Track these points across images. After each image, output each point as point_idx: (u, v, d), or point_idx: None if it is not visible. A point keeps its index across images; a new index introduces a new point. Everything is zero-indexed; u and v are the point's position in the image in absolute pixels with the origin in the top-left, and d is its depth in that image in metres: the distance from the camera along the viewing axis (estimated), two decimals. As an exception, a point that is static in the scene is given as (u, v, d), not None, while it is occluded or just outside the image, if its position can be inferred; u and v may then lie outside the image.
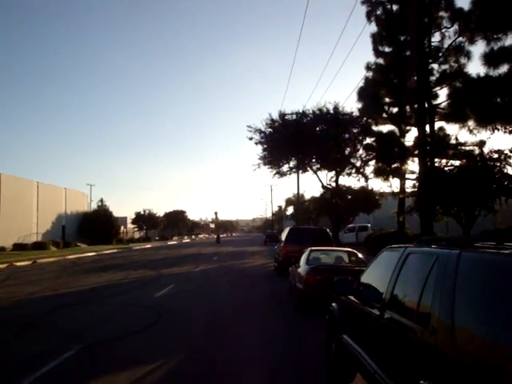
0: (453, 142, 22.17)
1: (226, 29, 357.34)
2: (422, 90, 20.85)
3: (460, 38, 21.21)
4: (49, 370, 6.05)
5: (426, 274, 3.35)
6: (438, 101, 23.06)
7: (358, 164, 33.85)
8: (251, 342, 7.99)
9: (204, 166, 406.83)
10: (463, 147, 21.75)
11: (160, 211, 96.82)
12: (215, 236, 78.96)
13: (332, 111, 33.78)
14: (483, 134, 19.73)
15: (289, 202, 76.53)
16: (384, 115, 26.30)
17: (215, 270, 22.80)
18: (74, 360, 6.62)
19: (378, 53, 24.85)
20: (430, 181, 17.10)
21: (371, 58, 25.60)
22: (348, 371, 5.37)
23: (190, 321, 9.94)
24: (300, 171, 37.89)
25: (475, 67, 39.55)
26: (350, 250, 13.45)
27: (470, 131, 20.95)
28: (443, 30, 21.92)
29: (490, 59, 17.27)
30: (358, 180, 34.37)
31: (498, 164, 15.64)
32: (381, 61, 25.03)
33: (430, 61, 22.16)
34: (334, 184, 35.91)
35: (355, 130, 33.04)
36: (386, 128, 26.60)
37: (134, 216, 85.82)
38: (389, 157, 23.91)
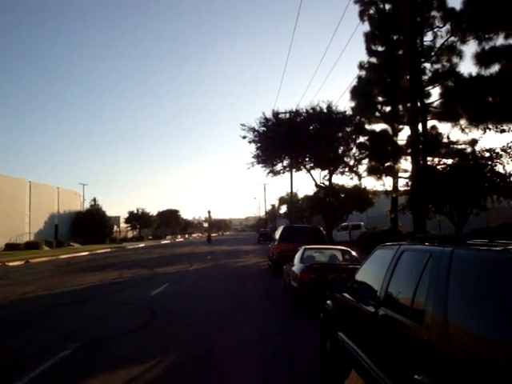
0: (445, 140, 22.32)
1: (219, 29, 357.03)
2: (415, 89, 21.02)
3: (452, 38, 21.37)
4: (44, 370, 6.06)
5: (419, 271, 3.41)
6: (431, 100, 23.24)
7: (352, 163, 34.04)
8: (247, 340, 8.04)
9: (197, 165, 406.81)
10: (455, 146, 21.90)
11: (153, 210, 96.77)
12: (206, 235, 74.95)
13: (325, 110, 33.89)
14: (475, 133, 19.88)
15: (282, 200, 76.73)
16: (377, 114, 26.44)
17: (209, 269, 22.83)
18: (70, 359, 6.63)
19: (370, 52, 24.98)
20: (422, 179, 17.24)
21: (364, 57, 25.76)
22: (343, 368, 5.45)
23: (185, 319, 9.96)
24: (293, 170, 37.98)
25: (467, 67, 39.76)
26: (343, 248, 13.53)
27: (462, 130, 21.10)
28: (435, 30, 22.09)
29: (481, 59, 17.39)
30: (352, 179, 34.58)
31: (490, 163, 15.78)
32: (374, 60, 25.15)
33: (423, 60, 22.32)
34: (327, 183, 36.05)
35: (348, 129, 33.18)
36: (378, 127, 26.74)
37: (127, 215, 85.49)
38: (382, 155, 24.04)
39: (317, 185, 37.06)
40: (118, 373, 6.03)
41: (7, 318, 10.05)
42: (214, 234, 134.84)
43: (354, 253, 12.42)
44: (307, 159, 36.60)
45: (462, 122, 20.10)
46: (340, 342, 5.21)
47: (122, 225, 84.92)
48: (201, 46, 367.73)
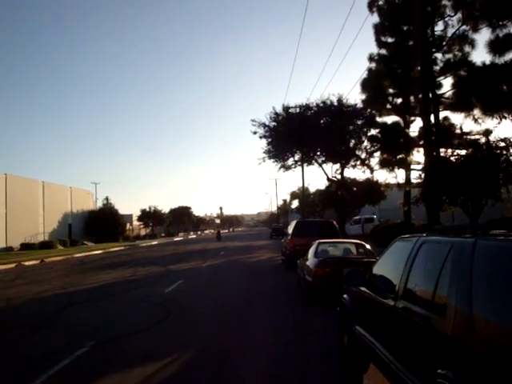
0: (458, 131, 22.08)
1: (228, 24, 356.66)
2: (426, 80, 20.81)
3: (464, 27, 21.04)
4: (61, 368, 6.06)
5: (440, 263, 3.32)
6: (442, 90, 22.94)
7: (363, 156, 33.85)
8: (262, 337, 7.98)
9: (209, 162, 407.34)
10: (468, 136, 21.65)
11: (165, 208, 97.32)
12: (216, 231, 70.43)
13: (336, 103, 33.72)
14: (489, 123, 19.62)
15: (294, 195, 76.63)
16: (388, 106, 26.19)
17: (223, 265, 22.83)
18: (86, 357, 6.63)
19: (380, 43, 24.72)
20: (435, 171, 17.07)
21: (374, 49, 25.51)
22: (361, 362, 5.38)
23: (199, 316, 9.95)
24: (305, 164, 37.86)
25: (479, 55, 39.27)
26: (357, 241, 13.41)
27: (475, 120, 20.84)
28: (446, 19, 21.78)
29: (495, 47, 17.12)
30: (363, 172, 34.39)
31: (505, 152, 15.55)
32: (384, 51, 24.88)
33: (434, 50, 22.05)
34: (339, 176, 35.90)
35: (359, 122, 33.00)
36: (390, 119, 26.52)
37: (139, 213, 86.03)
38: (394, 148, 23.84)
39: (329, 179, 36.93)
40: (133, 370, 6.02)
41: (24, 317, 10.12)
42: (224, 231, 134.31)
43: (368, 246, 12.31)
44: (318, 153, 36.48)
45: (476, 111, 19.85)
46: (358, 335, 5.14)
47: (135, 223, 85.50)
48: (211, 42, 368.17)
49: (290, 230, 20.97)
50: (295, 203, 77.43)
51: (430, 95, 21.46)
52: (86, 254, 36.41)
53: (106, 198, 70.43)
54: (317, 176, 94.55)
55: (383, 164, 25.79)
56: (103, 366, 6.27)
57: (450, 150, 19.09)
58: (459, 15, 21.02)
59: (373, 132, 30.01)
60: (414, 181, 24.39)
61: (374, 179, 33.72)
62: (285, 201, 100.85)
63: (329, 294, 9.67)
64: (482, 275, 2.80)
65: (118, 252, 39.31)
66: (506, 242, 2.88)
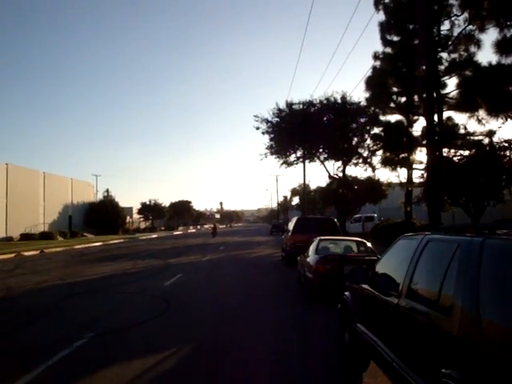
0: (461, 131, 22.02)
1: (232, 18, 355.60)
2: (431, 79, 20.67)
3: (470, 26, 20.96)
4: (60, 359, 6.05)
5: (446, 262, 3.29)
6: (447, 90, 22.90)
7: (366, 154, 33.77)
8: (261, 333, 7.96)
9: (210, 157, 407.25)
10: (472, 137, 21.59)
11: (166, 201, 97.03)
12: (211, 227, 61.45)
13: (339, 101, 33.66)
14: (493, 124, 19.56)
15: (294, 192, 76.61)
16: (392, 105, 26.14)
17: (222, 260, 22.84)
18: (86, 348, 6.62)
19: (385, 42, 24.64)
20: (438, 171, 17.01)
21: (379, 47, 25.42)
22: (362, 359, 5.35)
23: (199, 310, 9.95)
24: (307, 161, 37.82)
25: (485, 56, 39.14)
26: (359, 239, 13.38)
27: (479, 121, 20.81)
28: (453, 18, 21.69)
29: (502, 47, 17.04)
30: (365, 170, 34.32)
31: (508, 153, 15.50)
32: (389, 50, 24.81)
33: (439, 50, 21.95)
34: (340, 174, 35.83)
35: (363, 120, 32.92)
36: (393, 118, 26.50)
37: (139, 206, 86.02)
38: (396, 146, 23.80)
39: (330, 176, 36.89)
40: (133, 362, 6.01)
41: (23, 307, 10.11)
42: (222, 226, 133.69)
43: (369, 244, 12.28)
44: (321, 150, 36.41)
45: (480, 112, 19.79)
46: (359, 333, 5.11)
47: (135, 216, 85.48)
48: (213, 37, 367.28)
49: (291, 226, 20.96)
50: (296, 200, 77.54)
51: (434, 95, 21.36)
52: (85, 245, 36.44)
53: (107, 191, 70.50)
54: (318, 173, 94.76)
55: (385, 163, 25.75)
56: (103, 357, 6.24)
57: (452, 150, 19.07)
58: (466, 15, 20.94)
59: (376, 130, 29.95)
60: (415, 180, 24.36)
61: (376, 178, 33.70)
62: (285, 197, 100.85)
63: (329, 291, 9.65)
64: (490, 275, 2.76)
65: (117, 244, 39.33)
66: (516, 242, 2.84)
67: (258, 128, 36.38)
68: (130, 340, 7.24)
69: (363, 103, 31.43)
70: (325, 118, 34.20)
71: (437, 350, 3.12)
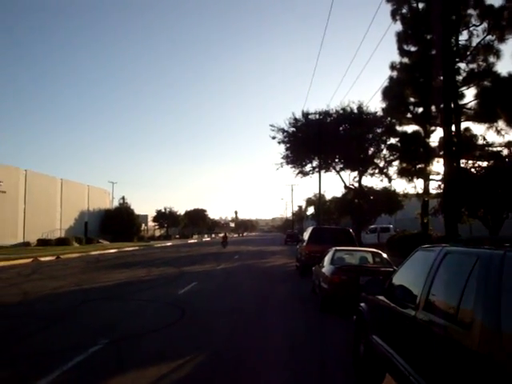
0: (480, 142, 21.75)
1: (248, 28, 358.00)
2: (449, 90, 20.47)
3: (489, 36, 20.77)
4: (75, 364, 6.08)
5: (465, 275, 3.23)
6: (465, 101, 22.63)
7: (382, 164, 33.55)
8: (275, 342, 7.92)
9: (226, 165, 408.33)
10: (490, 148, 21.32)
11: (181, 209, 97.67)
12: (222, 236, 54.15)
13: (356, 111, 33.57)
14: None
15: (309, 202, 76.29)
16: (408, 115, 25.93)
17: (237, 269, 22.81)
18: (101, 355, 6.64)
19: (403, 52, 24.52)
20: (455, 182, 16.80)
21: (396, 57, 25.29)
22: (377, 372, 5.29)
23: (213, 318, 9.92)
24: (323, 171, 37.74)
25: (505, 66, 38.78)
26: (374, 250, 13.26)
27: (498, 132, 20.55)
28: (471, 28, 21.50)
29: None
30: (381, 180, 34.09)
31: (528, 165, 15.29)
32: (406, 60, 24.67)
33: (457, 60, 21.77)
34: (356, 184, 35.65)
35: (379, 130, 32.74)
36: (410, 128, 26.24)
37: (155, 214, 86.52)
38: (413, 157, 23.60)
39: (346, 186, 36.73)
40: (147, 369, 6.01)
41: (39, 312, 10.21)
42: (234, 235, 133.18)
43: (384, 255, 12.15)
44: (337, 160, 36.33)
45: (499, 122, 19.56)
46: (374, 345, 5.05)
47: (150, 223, 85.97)
48: (231, 47, 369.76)
49: (306, 236, 20.86)
50: (310, 210, 77.21)
51: (452, 105, 21.17)
52: (101, 252, 36.73)
53: (123, 198, 71.29)
54: (333, 183, 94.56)
55: (402, 173, 25.52)
56: (117, 363, 6.27)
57: (470, 162, 18.84)
58: (485, 25, 20.77)
59: (392, 141, 29.70)
60: (432, 191, 24.12)
61: (392, 188, 33.46)
62: (300, 207, 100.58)
63: (344, 301, 9.58)
64: (511, 289, 2.71)
65: (132, 252, 39.56)
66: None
67: (274, 137, 36.54)
68: (145, 347, 7.25)
69: (380, 113, 31.29)
70: (341, 128, 34.15)
71: (455, 365, 3.06)
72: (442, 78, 20.76)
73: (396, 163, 28.80)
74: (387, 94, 25.41)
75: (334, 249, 12.42)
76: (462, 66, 22.25)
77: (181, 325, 9.06)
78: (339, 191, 63.32)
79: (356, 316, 6.13)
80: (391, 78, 25.31)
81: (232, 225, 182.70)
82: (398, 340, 4.43)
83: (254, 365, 6.48)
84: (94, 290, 14.07)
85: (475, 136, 22.33)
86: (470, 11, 21.33)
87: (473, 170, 17.26)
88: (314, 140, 33.22)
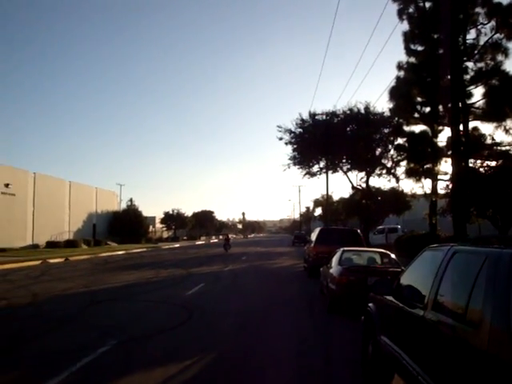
0: (488, 141, 21.61)
1: (257, 31, 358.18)
2: (456, 89, 20.43)
3: (497, 35, 20.62)
4: (84, 365, 6.11)
5: (474, 274, 3.21)
6: (473, 100, 22.47)
7: (389, 164, 33.41)
8: (283, 344, 7.91)
9: (233, 167, 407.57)
10: (499, 147, 21.17)
11: (188, 211, 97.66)
12: (224, 237, 47.69)
13: (363, 111, 33.45)
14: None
15: (317, 202, 76.10)
16: (416, 115, 25.80)
17: (244, 270, 22.81)
18: (109, 355, 6.67)
19: (409, 51, 24.41)
20: (464, 182, 16.75)
21: (403, 57, 25.17)
22: (386, 372, 5.26)
23: (221, 319, 9.94)
24: (330, 171, 37.65)
25: None
26: (382, 250, 13.20)
27: (507, 131, 20.39)
28: (479, 27, 21.31)
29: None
30: (389, 181, 33.95)
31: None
32: (413, 60, 24.54)
33: (465, 59, 21.64)
34: (364, 185, 35.53)
35: (386, 130, 32.61)
36: (418, 128, 26.07)
37: (162, 215, 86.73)
38: (421, 157, 23.47)
39: (353, 187, 36.62)
40: (155, 370, 6.03)
41: (48, 313, 10.26)
42: (239, 237, 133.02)
43: (393, 256, 12.09)
44: (344, 161, 36.23)
45: (508, 121, 19.42)
46: (383, 345, 5.03)
47: (158, 225, 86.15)
48: (239, 48, 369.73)
49: (314, 237, 20.83)
50: (318, 211, 76.99)
51: (460, 104, 21.06)
52: (109, 254, 36.90)
53: (130, 200, 71.31)
54: (341, 184, 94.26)
55: (409, 173, 25.39)
56: (125, 364, 6.30)
57: (479, 161, 18.73)
58: (493, 23, 20.60)
59: (400, 141, 29.57)
60: (440, 191, 23.99)
61: (400, 189, 33.30)
62: (308, 208, 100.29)
63: (352, 302, 9.54)
64: (521, 289, 2.69)
65: (140, 253, 39.69)
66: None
67: (281, 138, 36.46)
68: (153, 348, 7.27)
69: (387, 113, 31.14)
70: (348, 129, 34.03)
71: (464, 365, 3.04)
72: (449, 77, 20.72)
73: (404, 163, 28.67)
74: (394, 93, 25.30)
75: (341, 249, 12.38)
76: (470, 64, 22.11)
77: (188, 326, 9.08)
78: (347, 192, 63.06)
79: (364, 316, 6.11)
80: (398, 77, 25.20)
81: (239, 226, 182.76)
82: (406, 340, 4.41)
83: (260, 365, 6.47)
84: (103, 291, 14.12)
85: (483, 135, 22.18)
86: (478, 9, 21.16)
87: (481, 169, 17.16)
88: (321, 141, 33.13)
